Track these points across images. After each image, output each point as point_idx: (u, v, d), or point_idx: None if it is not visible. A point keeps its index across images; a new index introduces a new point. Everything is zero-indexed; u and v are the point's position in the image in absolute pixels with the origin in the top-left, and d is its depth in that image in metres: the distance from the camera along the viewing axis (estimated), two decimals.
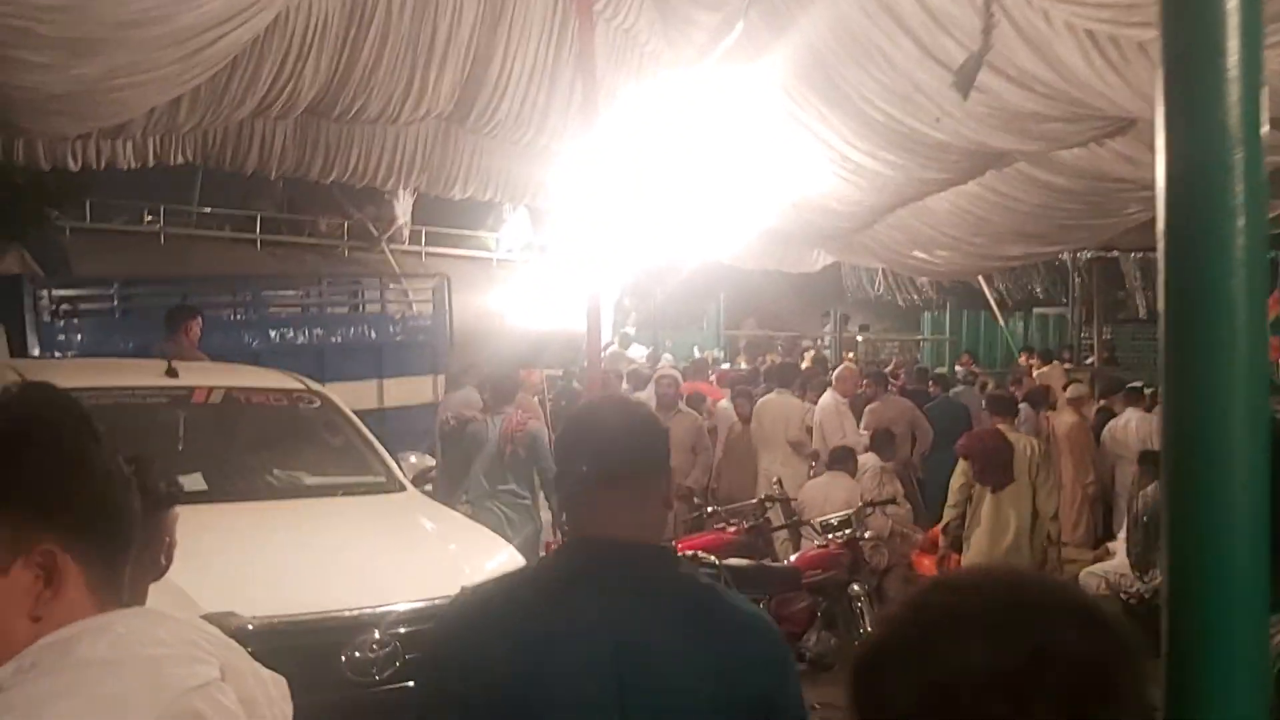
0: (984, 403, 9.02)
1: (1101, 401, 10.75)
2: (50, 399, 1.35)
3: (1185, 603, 1.15)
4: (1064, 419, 10.01)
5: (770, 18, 7.77)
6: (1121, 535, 8.22)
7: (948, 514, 7.16)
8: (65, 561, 1.26)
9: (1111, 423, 10.18)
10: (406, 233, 14.40)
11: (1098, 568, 8.22)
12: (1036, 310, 19.63)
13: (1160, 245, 1.20)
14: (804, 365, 14.05)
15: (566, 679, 1.74)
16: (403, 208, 14.93)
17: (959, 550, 7.74)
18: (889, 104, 8.21)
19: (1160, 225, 1.20)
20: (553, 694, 1.77)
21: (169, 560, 2.66)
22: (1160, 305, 1.19)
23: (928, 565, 8.50)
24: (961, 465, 7.20)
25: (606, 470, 1.96)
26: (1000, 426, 7.52)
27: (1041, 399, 10.99)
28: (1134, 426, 10.06)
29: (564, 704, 1.76)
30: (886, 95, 8.10)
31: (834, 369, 11.38)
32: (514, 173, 12.12)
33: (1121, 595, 7.97)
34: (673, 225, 11.58)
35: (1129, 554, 7.80)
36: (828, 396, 10.19)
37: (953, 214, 11.03)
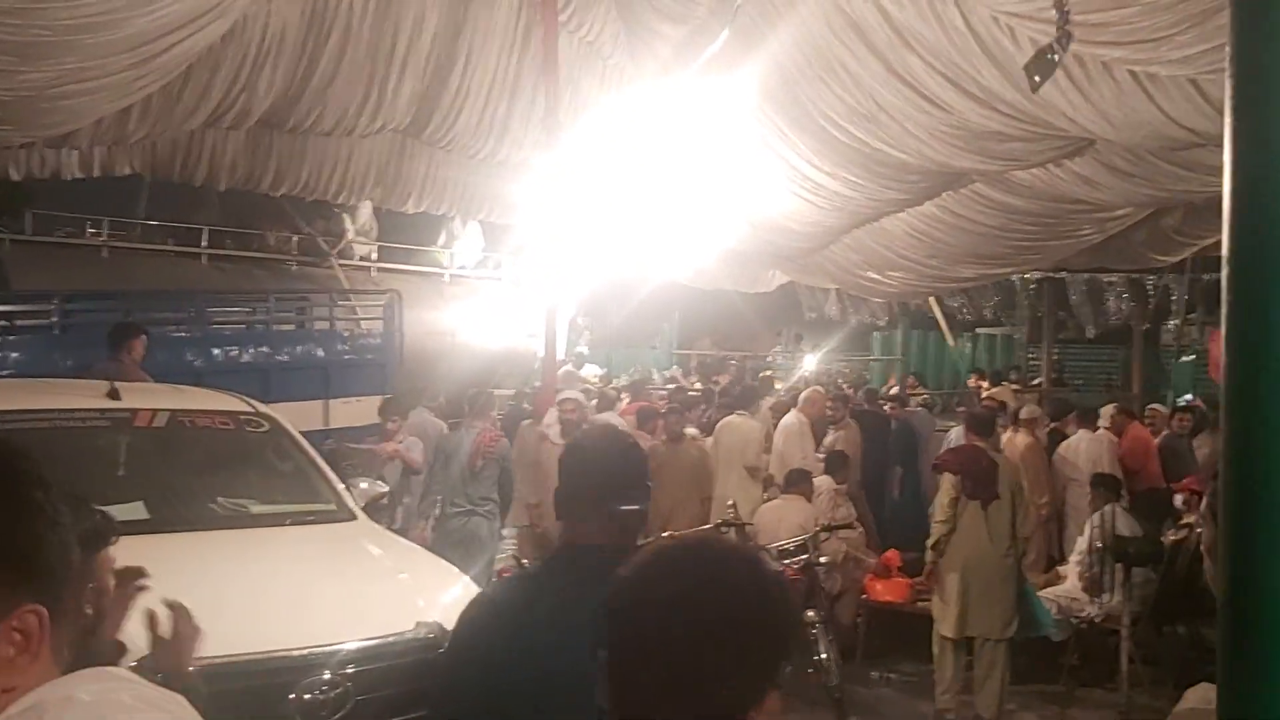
0: (964, 422, 9.01)
1: (1053, 424, 10.81)
2: (3, 448, 1.25)
3: (1242, 618, 1.16)
4: (1019, 440, 10.02)
5: (736, 34, 7.73)
6: (1073, 558, 8.20)
7: (938, 529, 7.13)
8: (43, 621, 1.17)
9: (1063, 444, 10.22)
10: (356, 248, 14.20)
11: (1049, 592, 8.19)
12: (983, 330, 19.83)
13: (1225, 269, 1.17)
14: (776, 387, 13.97)
15: (569, 673, 1.69)
16: (364, 220, 14.72)
17: None
18: (851, 123, 8.20)
19: (1225, 248, 1.17)
20: (556, 687, 1.81)
21: (98, 610, 2.50)
22: (1224, 326, 1.16)
23: (880, 590, 8.43)
24: (949, 480, 7.16)
25: (597, 489, 2.19)
26: (979, 444, 7.52)
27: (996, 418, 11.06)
28: (1083, 447, 10.10)
29: (567, 691, 1.71)
30: (849, 114, 8.10)
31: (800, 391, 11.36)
32: (471, 187, 11.99)
33: (1073, 619, 7.97)
34: (631, 244, 11.50)
35: (1080, 577, 7.79)
36: (791, 418, 10.12)
37: (908, 235, 11.07)
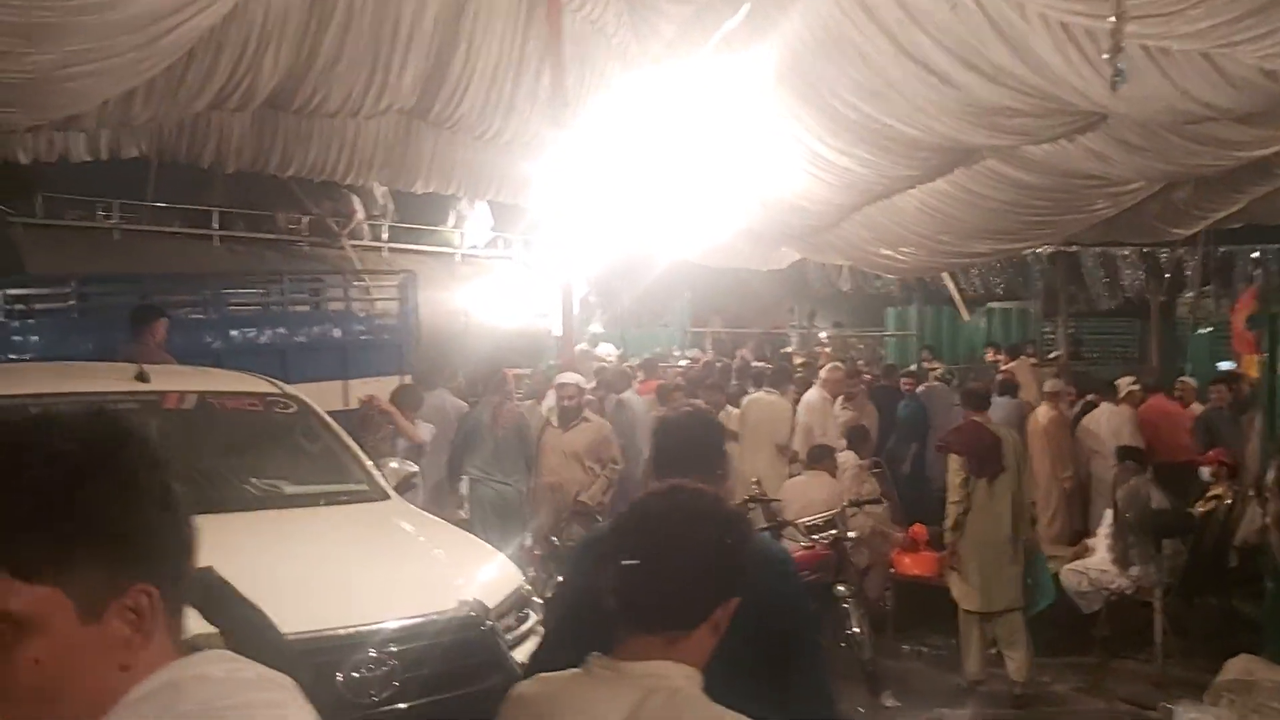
0: (960, 398, 8.97)
1: (1089, 397, 10.78)
2: (116, 427, 1.24)
3: None
4: (1042, 413, 10.05)
5: (747, 15, 7.68)
6: (1101, 531, 8.20)
7: (954, 509, 7.17)
8: (155, 603, 1.17)
9: (1086, 417, 10.22)
10: (374, 229, 14.16)
11: (1079, 564, 8.19)
12: (997, 305, 19.77)
13: None
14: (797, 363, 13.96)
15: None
16: (381, 200, 14.66)
17: None
18: (862, 100, 8.15)
19: None
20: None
21: None
22: None
23: (908, 564, 8.45)
24: (955, 461, 7.17)
25: (690, 455, 2.80)
26: (977, 419, 7.54)
27: (1014, 389, 11.04)
28: (1104, 420, 10.10)
29: None
30: (860, 91, 8.05)
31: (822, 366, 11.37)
32: (478, 167, 11.94)
33: (1104, 591, 7.97)
34: (643, 223, 11.46)
35: (1110, 549, 7.79)
36: (814, 393, 10.14)
37: (921, 212, 11.02)
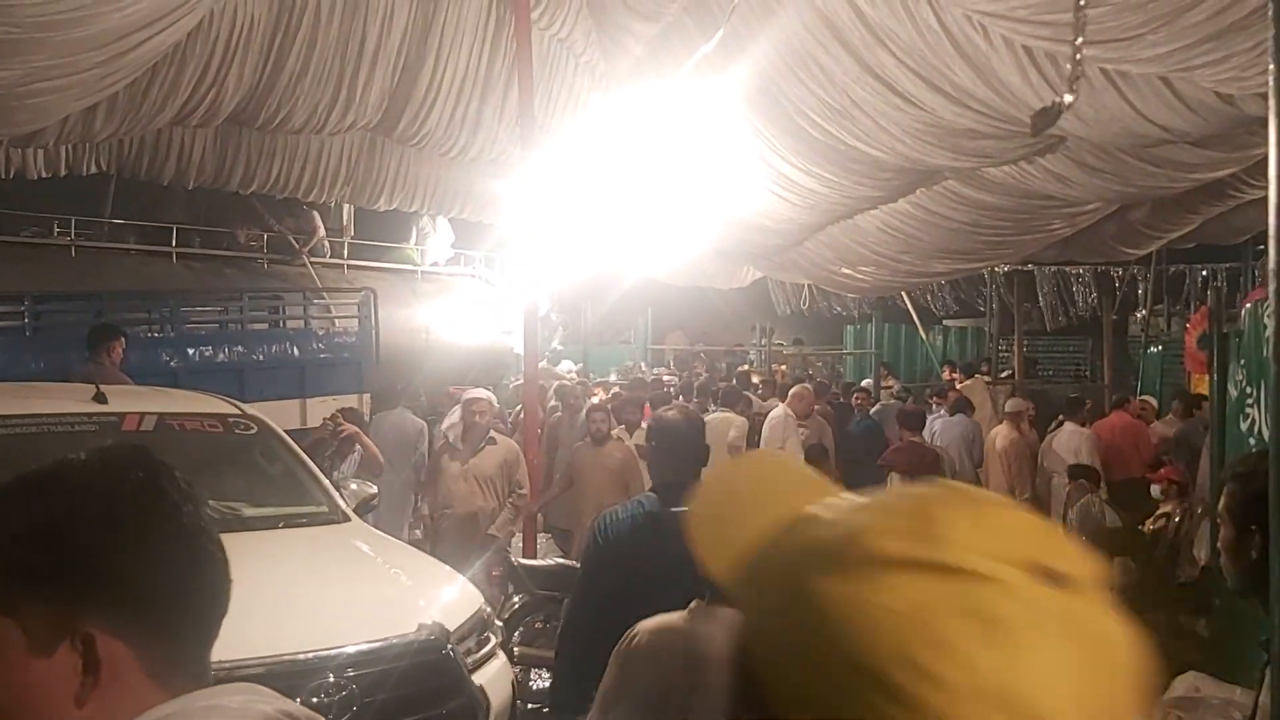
0: (897, 419, 9.09)
1: (1060, 417, 10.92)
2: (113, 465, 1.23)
3: None
4: (1002, 433, 10.16)
5: (710, 31, 7.74)
6: None
7: None
8: (110, 646, 1.15)
9: (1049, 436, 10.35)
10: (339, 247, 14.09)
11: None
12: (952, 323, 20.00)
13: (1271, 261, 1.16)
14: (755, 381, 14.11)
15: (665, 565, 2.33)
16: (346, 219, 14.60)
17: None
18: (826, 120, 8.24)
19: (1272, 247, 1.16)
20: (656, 575, 2.70)
21: None
22: (1272, 323, 1.16)
23: None
24: (896, 478, 7.30)
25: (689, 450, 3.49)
26: (914, 439, 7.72)
27: (969, 407, 11.16)
28: (1064, 439, 10.22)
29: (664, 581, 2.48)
30: (825, 111, 8.14)
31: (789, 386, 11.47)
32: (443, 184, 11.93)
33: None
34: (607, 241, 11.49)
35: None
36: (779, 410, 10.20)
37: (882, 231, 11.15)
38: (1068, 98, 4.30)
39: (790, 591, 0.71)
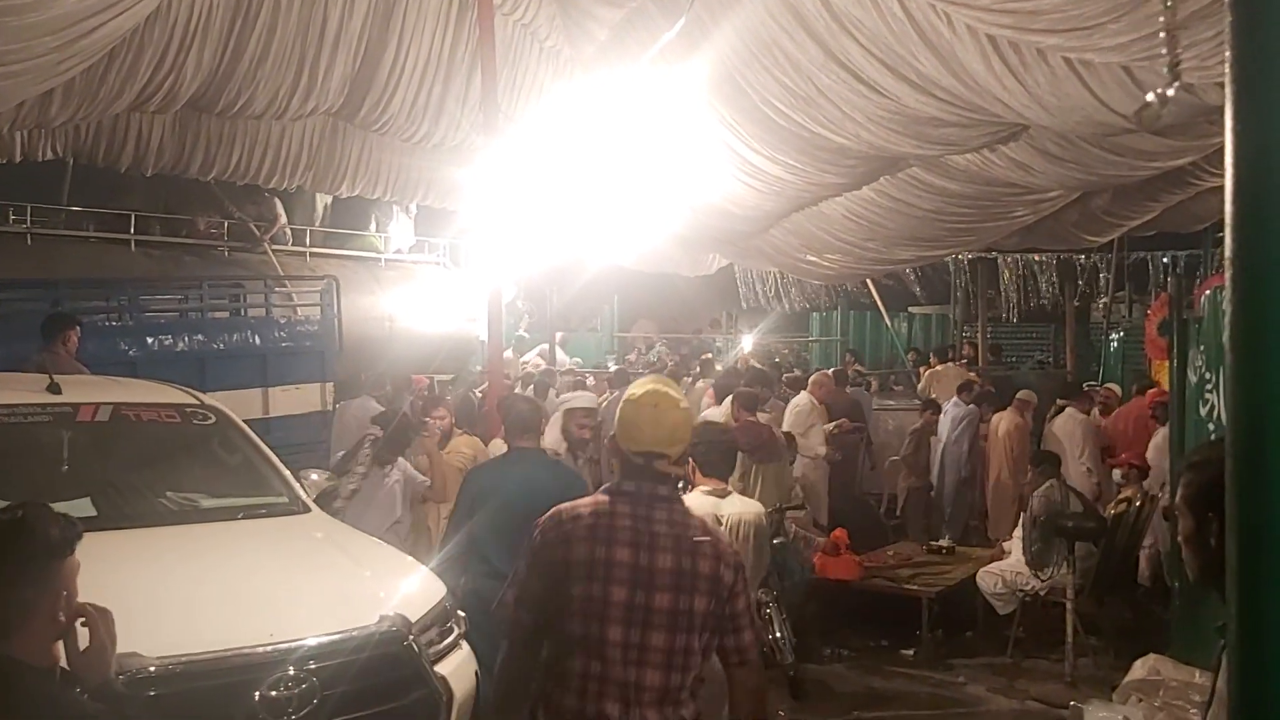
0: (735, 400, 9.24)
1: (1059, 401, 11.07)
2: None
3: (1253, 592, 1.15)
4: (1006, 418, 10.42)
5: (675, 19, 7.71)
6: (1016, 534, 8.38)
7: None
8: None
9: (1050, 422, 10.48)
10: (290, 232, 13.91)
11: (994, 566, 8.37)
12: (917, 310, 20.11)
13: (1228, 249, 1.15)
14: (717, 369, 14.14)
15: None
16: (321, 211, 14.45)
17: None
18: (791, 107, 8.24)
19: (1229, 244, 1.15)
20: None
21: (69, 615, 2.42)
22: (1228, 305, 1.15)
23: (830, 568, 8.55)
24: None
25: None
26: (751, 419, 8.27)
27: (992, 399, 11.29)
28: (1061, 423, 10.31)
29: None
30: (790, 98, 8.13)
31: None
32: (406, 170, 11.82)
33: (1018, 593, 8.16)
34: (573, 227, 11.43)
35: (1025, 552, 7.96)
36: (803, 397, 10.33)
37: (846, 219, 11.18)
38: (1171, 91, 4.34)
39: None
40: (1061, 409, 10.71)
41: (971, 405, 11.18)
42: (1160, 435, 9.41)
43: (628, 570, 2.96)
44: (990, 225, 11.38)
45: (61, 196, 12.12)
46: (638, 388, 3.21)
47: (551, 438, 6.79)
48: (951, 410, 11.25)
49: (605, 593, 2.94)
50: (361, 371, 10.05)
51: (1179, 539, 2.35)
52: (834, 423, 10.59)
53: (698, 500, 4.73)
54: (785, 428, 9.96)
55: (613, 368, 15.47)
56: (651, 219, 11.13)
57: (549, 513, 3.10)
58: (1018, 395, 10.83)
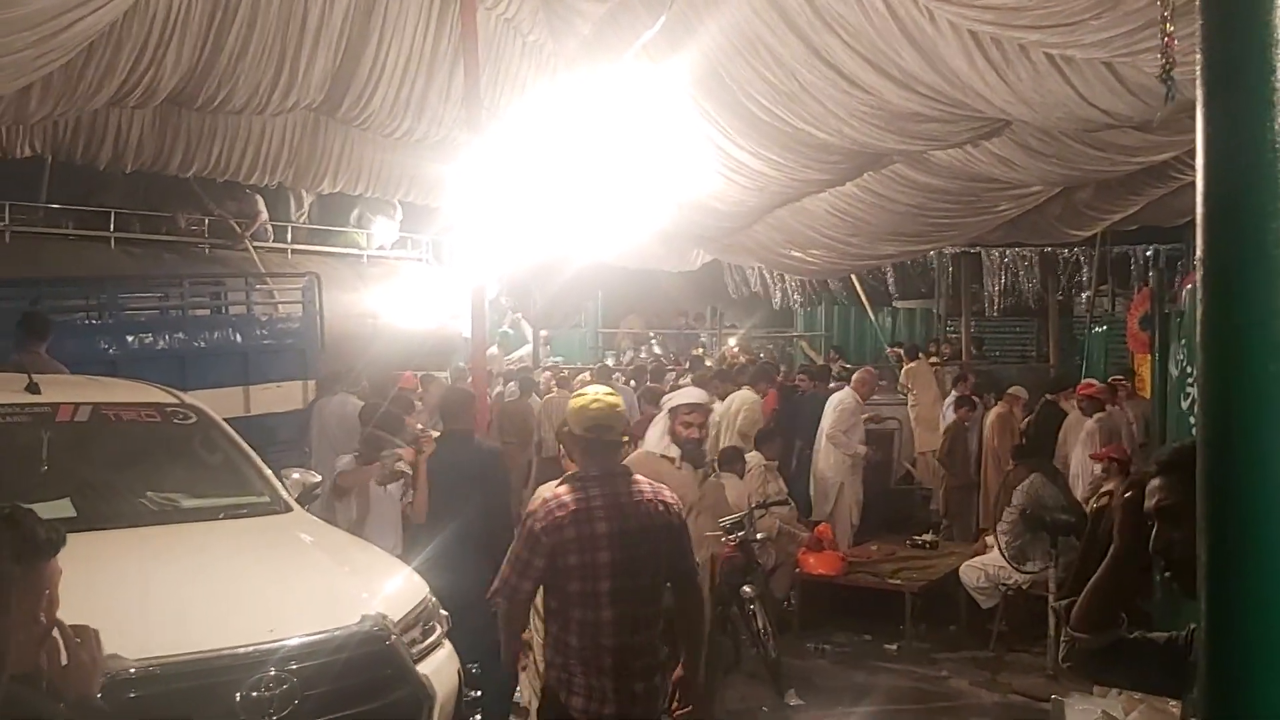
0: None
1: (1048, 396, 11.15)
2: None
3: (1225, 590, 1.15)
4: (996, 411, 10.62)
5: (659, 13, 7.69)
6: (1000, 528, 8.40)
7: None
8: None
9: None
10: (271, 229, 13.84)
11: (976, 561, 8.39)
12: (901, 304, 20.15)
13: (1200, 242, 1.15)
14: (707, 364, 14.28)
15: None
16: (305, 206, 14.38)
17: None
18: (774, 103, 8.23)
19: (1200, 245, 1.15)
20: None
21: (50, 619, 2.39)
22: (1200, 298, 1.16)
23: (813, 563, 8.56)
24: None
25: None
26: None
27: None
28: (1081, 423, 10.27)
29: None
30: (773, 94, 8.12)
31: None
32: (388, 166, 11.76)
33: (1000, 587, 8.18)
34: (557, 223, 11.40)
35: (1006, 547, 7.98)
36: (846, 394, 10.35)
37: (830, 214, 11.19)
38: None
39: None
40: (1053, 404, 10.76)
41: (972, 398, 11.26)
42: (1088, 427, 9.63)
43: (608, 539, 3.80)
44: (973, 220, 11.40)
45: (40, 194, 12.03)
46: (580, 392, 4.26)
47: (654, 439, 6.43)
48: (953, 405, 11.32)
49: (594, 559, 3.78)
50: (343, 369, 9.99)
51: (1159, 549, 2.29)
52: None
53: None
54: (828, 426, 10.04)
55: (610, 362, 15.53)
56: (635, 215, 11.11)
57: (539, 502, 3.87)
58: (1008, 390, 10.88)
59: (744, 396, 10.13)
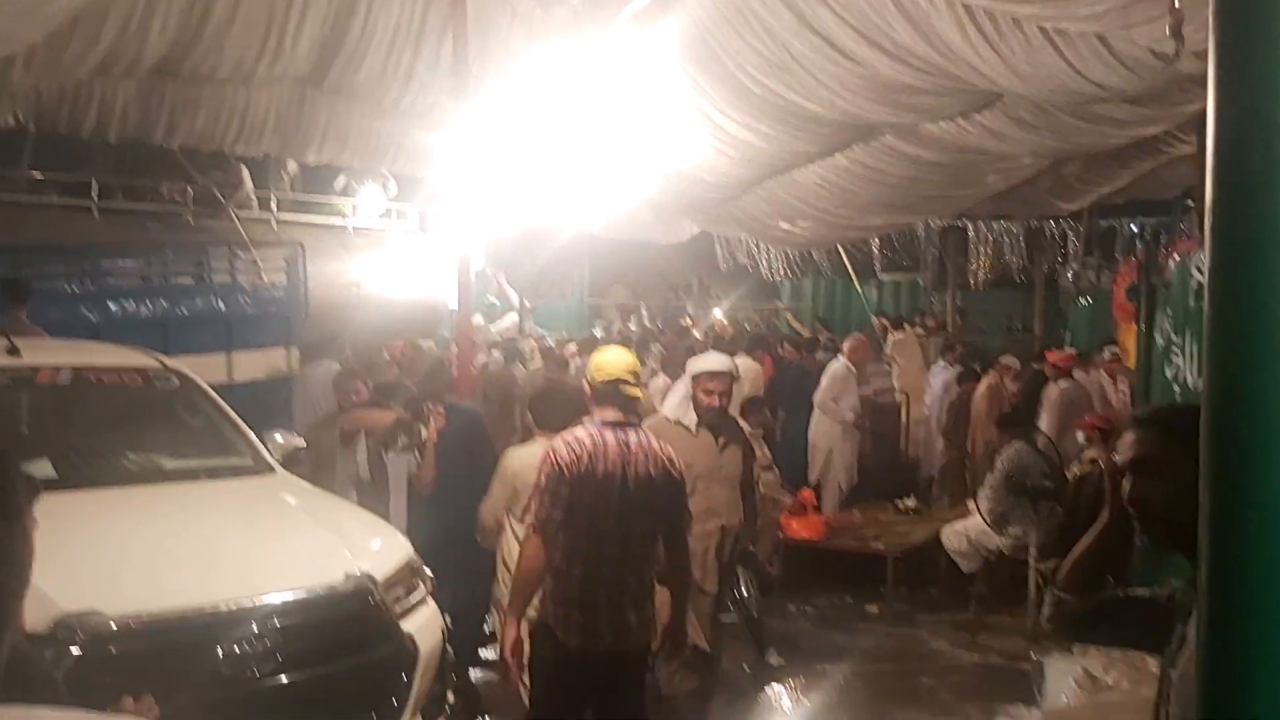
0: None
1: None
2: None
3: (1226, 577, 1.14)
4: (987, 380, 10.63)
5: None
6: (982, 493, 8.45)
7: None
8: None
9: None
10: (255, 199, 13.74)
11: (958, 525, 8.45)
12: (886, 277, 20.14)
13: (1208, 223, 1.14)
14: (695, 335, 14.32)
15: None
16: (289, 176, 14.29)
17: None
18: (765, 74, 8.19)
19: (1209, 223, 1.14)
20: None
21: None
22: (1207, 279, 1.14)
23: (796, 528, 8.61)
24: None
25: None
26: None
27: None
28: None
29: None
30: (764, 66, 8.08)
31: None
32: (374, 135, 11.67)
33: (982, 551, 8.24)
34: (545, 193, 11.34)
35: (988, 512, 8.02)
36: (840, 363, 10.41)
37: (819, 186, 11.16)
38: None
39: None
40: (1040, 373, 10.81)
41: (959, 367, 11.27)
42: (1049, 393, 9.79)
43: (619, 481, 4.20)
44: (963, 192, 11.40)
45: (22, 163, 11.92)
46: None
47: (674, 405, 6.31)
48: (940, 373, 11.33)
49: (604, 497, 4.18)
50: (327, 337, 9.97)
51: (1133, 502, 2.27)
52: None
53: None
54: (818, 393, 10.13)
55: (598, 333, 15.52)
56: (623, 184, 11.06)
57: (561, 445, 4.25)
58: (999, 359, 10.92)
59: (747, 365, 10.13)
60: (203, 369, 7.34)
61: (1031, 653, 6.55)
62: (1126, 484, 2.26)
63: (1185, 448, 2.13)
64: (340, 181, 14.70)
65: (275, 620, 3.98)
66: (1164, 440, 2.19)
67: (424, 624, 4.52)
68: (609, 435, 4.24)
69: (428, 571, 4.74)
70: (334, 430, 6.11)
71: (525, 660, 4.24)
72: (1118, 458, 2.29)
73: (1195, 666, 1.19)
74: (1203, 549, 1.14)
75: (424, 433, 6.06)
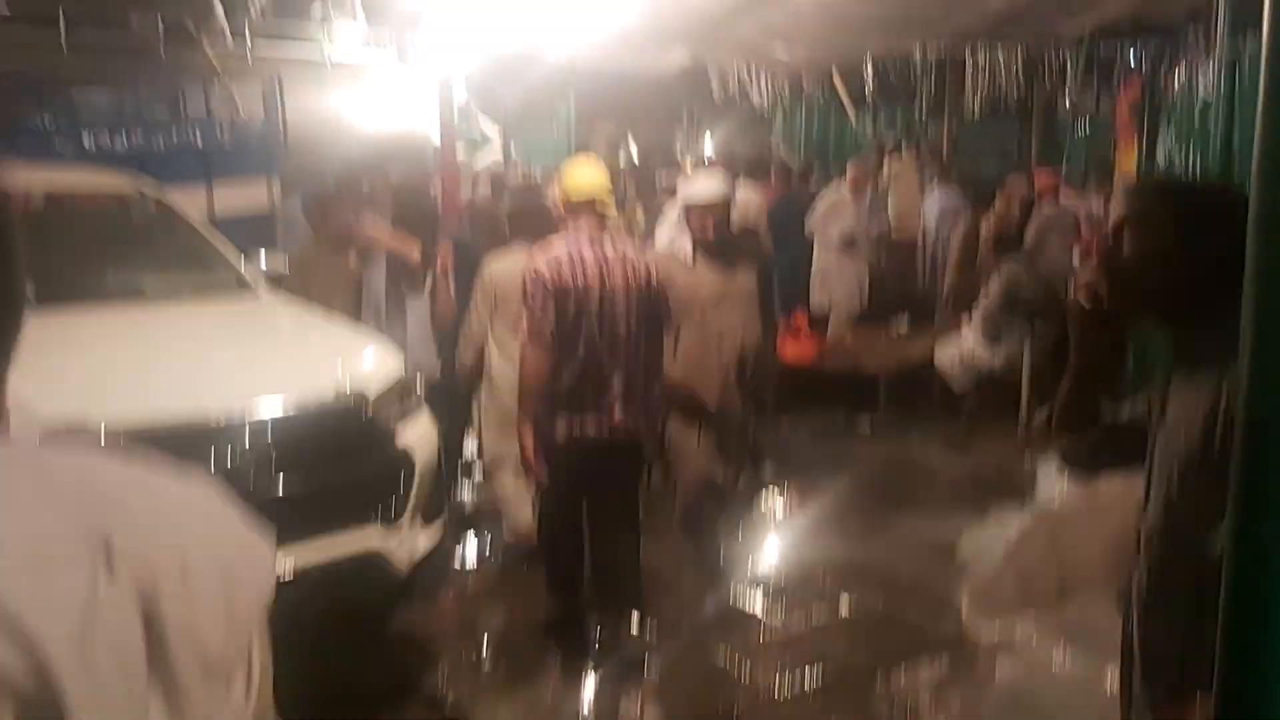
0: None
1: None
2: None
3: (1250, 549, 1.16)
4: (995, 209, 10.48)
5: None
6: (976, 311, 8.42)
7: None
8: None
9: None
10: (229, 34, 13.23)
11: (952, 344, 8.46)
12: (881, 108, 19.65)
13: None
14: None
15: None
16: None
17: None
18: None
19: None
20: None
21: None
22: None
23: (790, 349, 8.66)
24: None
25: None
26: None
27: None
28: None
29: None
30: None
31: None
32: None
33: (974, 370, 8.28)
34: (527, 11, 10.91)
35: (982, 327, 8.03)
36: (835, 190, 10.35)
37: (815, 6, 10.76)
38: None
39: None
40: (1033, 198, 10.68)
41: (957, 196, 11.10)
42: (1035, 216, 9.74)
43: (598, 287, 4.58)
44: (962, 12, 11.01)
45: None
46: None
47: (664, 240, 6.27)
48: (940, 200, 11.16)
49: (587, 299, 4.55)
50: (307, 172, 9.77)
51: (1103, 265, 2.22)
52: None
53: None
54: (814, 218, 10.08)
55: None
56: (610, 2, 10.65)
57: (542, 263, 4.53)
58: (1007, 178, 10.83)
59: (745, 199, 9.91)
60: (182, 204, 7.18)
61: (1024, 461, 6.64)
62: (1114, 249, 2.23)
63: (1173, 209, 2.09)
64: (317, 9, 14.13)
65: (268, 434, 3.94)
66: (1156, 198, 2.19)
67: (419, 438, 4.50)
68: (587, 249, 4.60)
69: (420, 385, 4.71)
70: (334, 249, 6.01)
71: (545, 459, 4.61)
72: (1111, 218, 2.25)
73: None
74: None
75: (440, 262, 6.01)
